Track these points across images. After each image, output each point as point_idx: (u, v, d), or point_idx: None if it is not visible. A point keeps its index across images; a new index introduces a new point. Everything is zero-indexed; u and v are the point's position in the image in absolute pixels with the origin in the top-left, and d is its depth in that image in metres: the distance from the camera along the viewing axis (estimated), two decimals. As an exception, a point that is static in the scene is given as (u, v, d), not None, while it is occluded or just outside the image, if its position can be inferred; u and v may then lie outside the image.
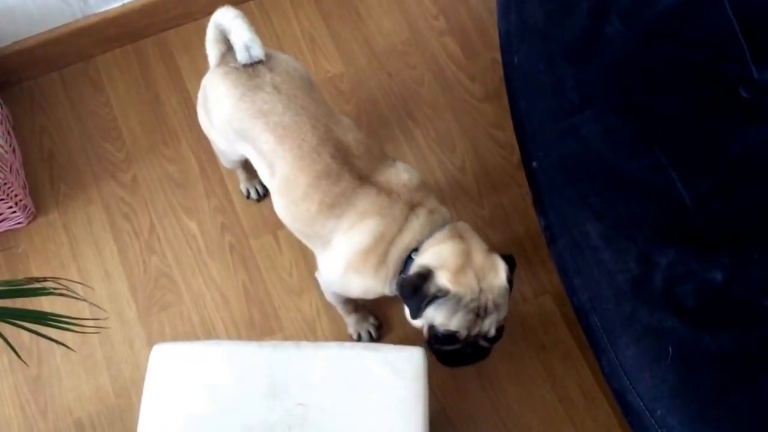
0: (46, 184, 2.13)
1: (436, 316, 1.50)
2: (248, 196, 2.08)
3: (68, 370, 1.93)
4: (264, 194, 2.06)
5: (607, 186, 1.57)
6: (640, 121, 1.59)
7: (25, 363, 1.90)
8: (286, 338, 1.93)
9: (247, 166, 1.89)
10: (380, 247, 1.55)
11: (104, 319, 1.92)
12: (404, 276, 1.53)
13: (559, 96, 1.67)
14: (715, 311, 1.41)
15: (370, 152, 1.60)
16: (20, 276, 1.99)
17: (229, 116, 1.65)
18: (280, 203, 1.65)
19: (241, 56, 1.62)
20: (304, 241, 1.70)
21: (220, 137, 1.76)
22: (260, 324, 1.96)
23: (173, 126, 2.19)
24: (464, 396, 1.87)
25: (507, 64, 1.80)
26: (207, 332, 1.96)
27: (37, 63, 2.22)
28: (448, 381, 1.87)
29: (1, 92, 2.21)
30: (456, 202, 2.05)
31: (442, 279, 1.47)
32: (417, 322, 1.55)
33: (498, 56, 1.92)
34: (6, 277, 2.00)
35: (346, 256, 1.58)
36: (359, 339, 1.90)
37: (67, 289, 1.47)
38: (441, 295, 1.47)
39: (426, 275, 1.48)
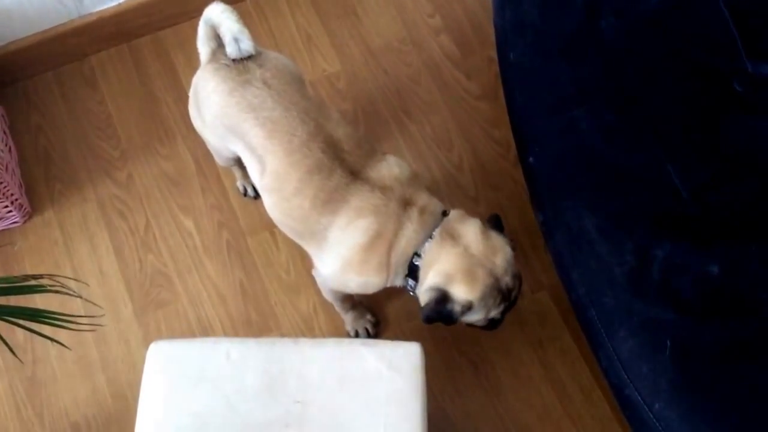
0: (41, 183, 2.13)
1: (472, 318, 1.58)
2: (245, 194, 2.08)
3: (64, 370, 1.92)
4: (260, 192, 2.06)
5: (603, 180, 1.57)
6: (635, 115, 1.60)
7: (20, 360, 1.89)
8: (283, 336, 1.93)
9: (242, 163, 1.88)
10: (378, 245, 1.55)
11: (100, 316, 1.91)
12: (425, 310, 1.54)
13: (555, 91, 1.68)
14: (713, 304, 1.41)
15: (360, 147, 1.60)
16: (16, 274, 1.98)
17: (220, 111, 1.65)
18: (271, 201, 1.65)
19: (231, 49, 1.61)
20: (297, 239, 1.69)
21: (212, 134, 1.75)
22: (257, 321, 1.95)
23: (169, 124, 2.18)
24: (462, 393, 1.87)
25: (503, 61, 1.80)
26: (203, 330, 1.95)
27: (32, 62, 2.21)
28: (445, 379, 1.87)
29: (-4, 92, 2.21)
30: (453, 199, 2.05)
31: (460, 294, 1.51)
32: None
33: (494, 54, 1.93)
34: (1, 275, 2.00)
35: (344, 254, 1.58)
36: (357, 336, 1.90)
37: (63, 286, 1.46)
38: (468, 308, 1.53)
39: (443, 298, 1.52)
